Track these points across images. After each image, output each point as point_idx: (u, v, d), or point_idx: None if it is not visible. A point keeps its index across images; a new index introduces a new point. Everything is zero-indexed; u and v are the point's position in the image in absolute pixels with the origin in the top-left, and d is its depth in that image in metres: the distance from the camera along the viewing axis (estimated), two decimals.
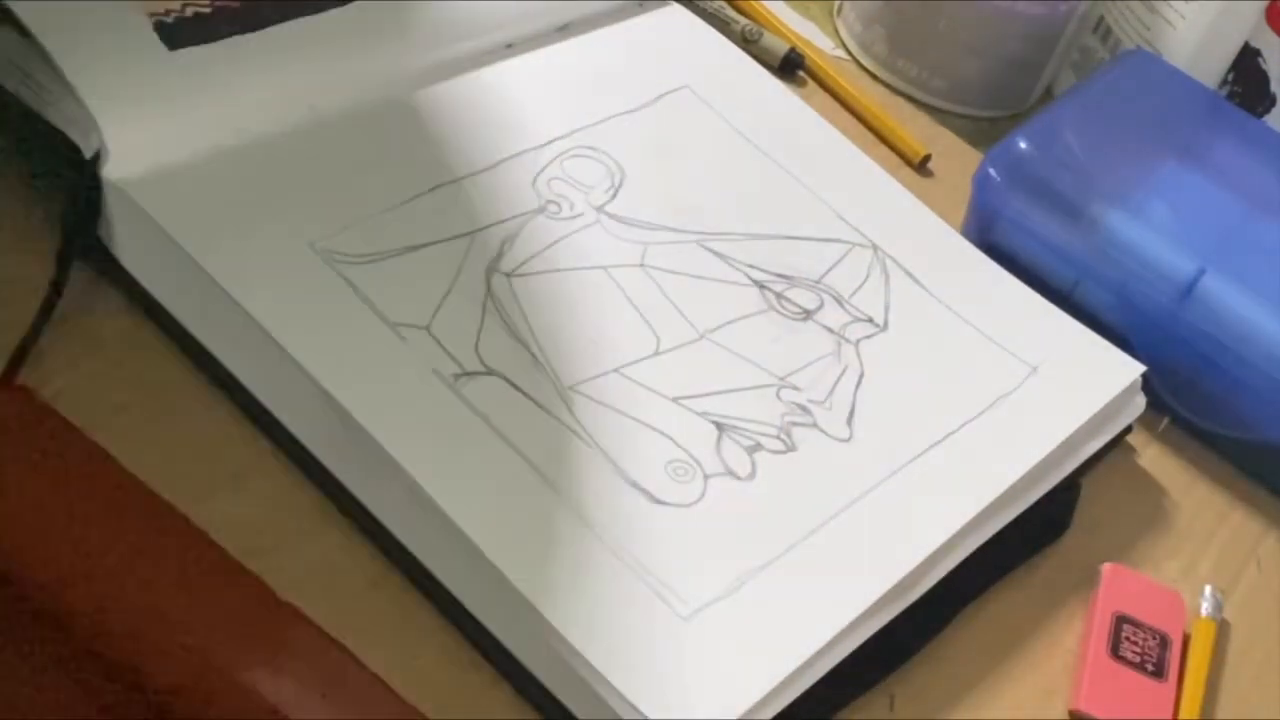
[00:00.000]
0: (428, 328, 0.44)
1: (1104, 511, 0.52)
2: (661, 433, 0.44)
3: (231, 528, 0.41)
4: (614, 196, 0.51)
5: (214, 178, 0.45)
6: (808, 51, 0.66)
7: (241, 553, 0.41)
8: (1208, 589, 0.50)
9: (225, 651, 0.40)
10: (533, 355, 0.45)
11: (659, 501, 0.43)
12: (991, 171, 0.57)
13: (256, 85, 0.47)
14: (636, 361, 0.46)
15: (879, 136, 0.64)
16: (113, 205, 0.44)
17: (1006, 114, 0.69)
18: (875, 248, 0.53)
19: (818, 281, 0.51)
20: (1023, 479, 0.48)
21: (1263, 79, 0.65)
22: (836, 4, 0.71)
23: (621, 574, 0.40)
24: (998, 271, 0.55)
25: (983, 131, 0.67)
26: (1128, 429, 0.53)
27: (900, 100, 0.67)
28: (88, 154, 0.44)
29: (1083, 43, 0.69)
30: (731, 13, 0.65)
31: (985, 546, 0.46)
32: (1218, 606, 0.50)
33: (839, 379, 0.48)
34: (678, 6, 0.60)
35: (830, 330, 0.50)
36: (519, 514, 0.41)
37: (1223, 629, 0.50)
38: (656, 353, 0.47)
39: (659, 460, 0.44)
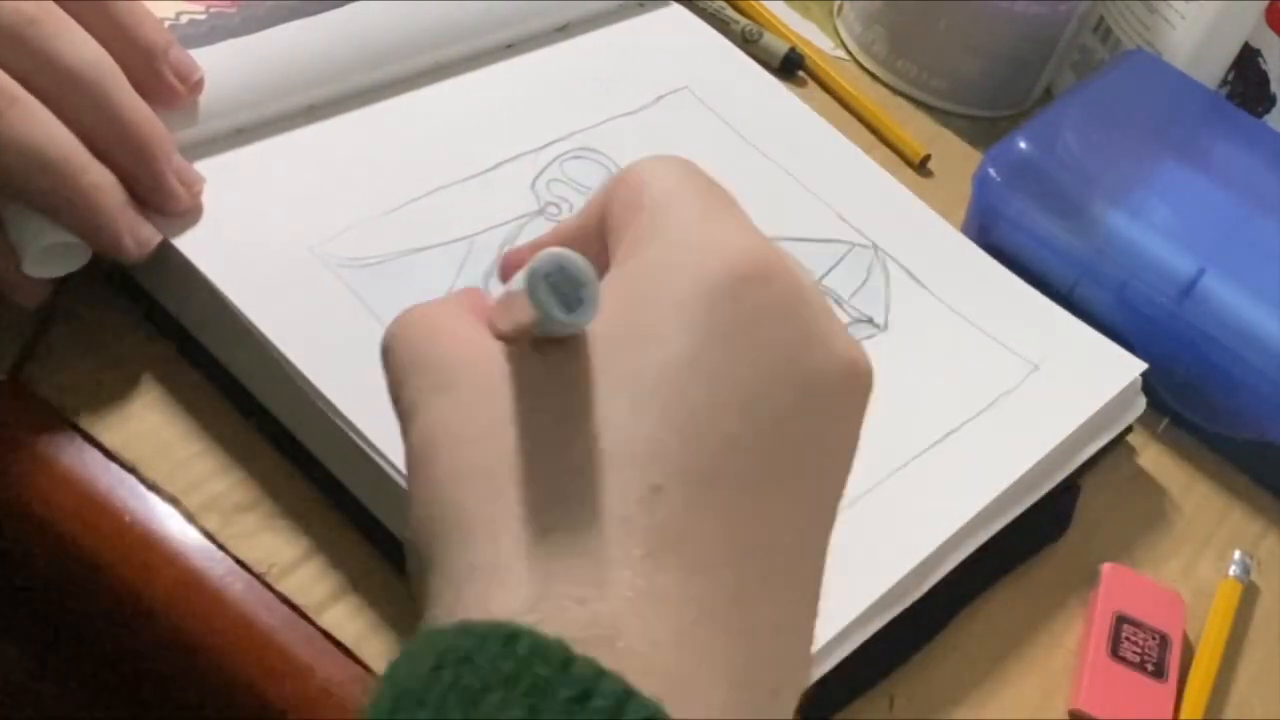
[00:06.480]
0: None
1: (1104, 511, 0.52)
2: None
3: (229, 524, 0.41)
4: None
5: (212, 180, 0.45)
6: (808, 51, 0.66)
7: (239, 549, 0.41)
8: (1237, 553, 0.52)
9: (226, 650, 0.40)
10: None
11: None
12: (991, 171, 0.57)
13: (255, 87, 0.47)
14: None
15: (879, 136, 0.64)
16: None
17: (1006, 114, 0.69)
18: (875, 248, 0.53)
19: (817, 282, 0.51)
20: (1023, 478, 0.48)
21: (1263, 79, 0.65)
22: (836, 4, 0.71)
23: None
24: (998, 269, 0.55)
25: (983, 131, 0.67)
26: (1128, 429, 0.53)
27: (900, 100, 0.67)
28: None
29: (1083, 43, 0.69)
30: (731, 13, 0.65)
31: (985, 546, 0.46)
32: (1246, 570, 0.51)
33: None
34: (678, 6, 0.60)
35: None
36: None
37: None
38: None
39: None
